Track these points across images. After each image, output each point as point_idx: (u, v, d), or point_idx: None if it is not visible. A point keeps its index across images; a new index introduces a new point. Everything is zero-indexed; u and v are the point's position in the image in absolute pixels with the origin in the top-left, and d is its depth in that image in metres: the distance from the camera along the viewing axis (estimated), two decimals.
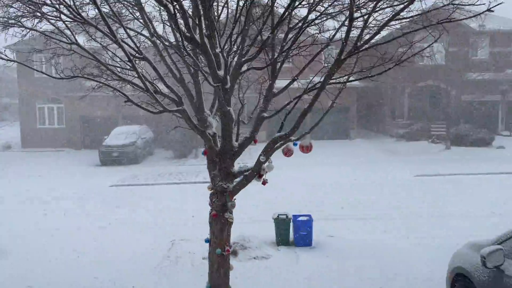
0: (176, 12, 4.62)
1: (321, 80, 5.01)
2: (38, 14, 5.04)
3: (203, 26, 4.85)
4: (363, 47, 4.56)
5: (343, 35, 5.11)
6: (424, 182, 17.94)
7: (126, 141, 25.10)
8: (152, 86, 5.28)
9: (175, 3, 4.31)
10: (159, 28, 7.14)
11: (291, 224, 10.83)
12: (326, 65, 5.63)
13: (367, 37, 4.80)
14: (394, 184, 17.50)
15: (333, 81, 5.29)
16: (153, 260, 9.96)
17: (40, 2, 4.60)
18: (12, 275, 9.41)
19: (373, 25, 5.06)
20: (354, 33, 5.01)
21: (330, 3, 5.69)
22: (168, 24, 6.30)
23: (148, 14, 6.33)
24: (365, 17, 4.78)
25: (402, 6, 4.44)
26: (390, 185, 17.37)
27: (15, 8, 5.20)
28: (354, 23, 5.05)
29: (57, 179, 20.80)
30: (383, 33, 5.81)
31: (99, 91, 6.70)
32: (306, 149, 6.08)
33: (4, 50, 4.51)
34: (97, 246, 11.15)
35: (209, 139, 5.58)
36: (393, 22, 5.01)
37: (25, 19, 5.26)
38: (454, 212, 13.38)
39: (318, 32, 6.14)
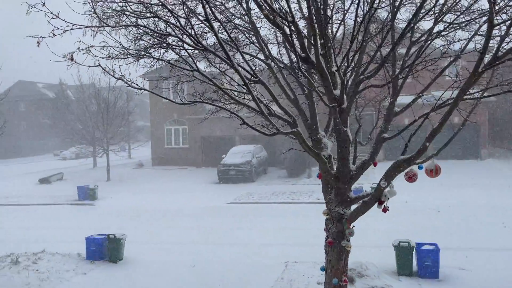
0: (291, 32, 4.54)
1: (452, 96, 4.45)
2: (164, 44, 5.45)
3: (319, 45, 4.69)
4: (505, 58, 3.92)
5: (477, 46, 4.52)
6: None
7: (242, 160, 26.03)
8: (266, 109, 5.28)
9: (291, 24, 4.24)
10: (274, 51, 7.21)
11: (414, 252, 9.91)
12: (458, 79, 5.01)
13: (508, 45, 4.14)
14: None
15: (467, 96, 4.67)
16: (267, 281, 9.92)
17: (165, 33, 4.95)
18: (129, 283, 10.19)
19: None
20: (492, 42, 4.37)
21: (462, 11, 5.09)
22: (283, 46, 6.28)
23: (263, 37, 6.42)
24: (507, 23, 4.13)
25: None
26: None
27: (145, 40, 5.73)
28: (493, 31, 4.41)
29: (180, 195, 22.33)
30: None
31: (217, 115, 6.98)
32: (433, 173, 5.44)
33: (135, 79, 4.95)
34: (213, 261, 11.53)
35: (324, 162, 5.34)
36: None
37: (153, 50, 5.75)
38: None
39: (446, 44, 5.54)
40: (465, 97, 4.55)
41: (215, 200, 20.79)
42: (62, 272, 10.98)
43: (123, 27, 5.03)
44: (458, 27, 5.70)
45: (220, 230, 15.06)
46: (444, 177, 20.18)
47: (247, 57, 6.50)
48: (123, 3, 4.77)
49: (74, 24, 4.46)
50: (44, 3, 3.99)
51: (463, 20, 5.50)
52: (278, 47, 6.99)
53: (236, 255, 12.14)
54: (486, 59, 4.15)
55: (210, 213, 18.00)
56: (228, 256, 12.08)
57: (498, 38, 5.12)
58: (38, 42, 4.24)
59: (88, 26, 4.63)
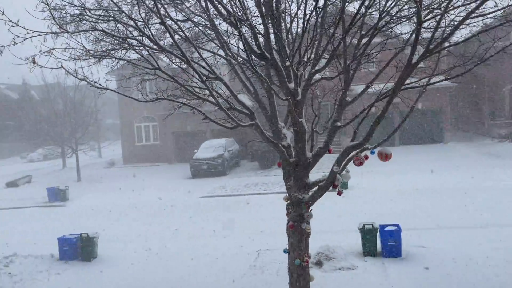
0: (246, 30, 4.83)
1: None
2: (125, 45, 5.64)
3: (272, 41, 4.99)
4: (436, 49, 4.34)
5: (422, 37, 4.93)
6: None
7: (214, 154, 26.23)
8: (226, 103, 5.56)
9: (243, 23, 4.52)
10: (236, 47, 7.46)
11: (378, 234, 10.47)
12: (398, 70, 5.42)
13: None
14: (498, 190, 15.95)
15: (408, 86, 5.08)
16: (240, 268, 10.27)
17: (124, 36, 5.15)
18: (103, 280, 10.34)
19: (447, 26, 4.78)
20: (429, 35, 4.78)
21: (399, 8, 5.50)
22: (241, 48, 6.55)
23: (222, 34, 6.67)
24: (437, 18, 4.54)
25: (475, 4, 4.15)
26: (492, 191, 15.88)
27: (106, 41, 5.88)
28: (428, 24, 4.84)
29: (153, 192, 22.36)
30: (465, 32, 5.47)
31: (182, 111, 7.18)
32: (385, 157, 5.87)
33: (98, 80, 5.12)
34: (188, 254, 11.78)
35: (282, 151, 5.69)
36: (472, 20, 4.71)
37: (114, 51, 5.91)
38: None
39: (387, 38, 5.95)
40: (406, 86, 4.97)
41: (189, 194, 20.95)
42: (35, 273, 10.99)
43: (82, 32, 5.19)
44: (403, 20, 6.12)
45: (194, 224, 15.30)
46: (408, 161, 21.06)
47: (207, 54, 6.74)
48: (82, 9, 4.94)
49: (34, 31, 4.60)
50: (3, 12, 4.12)
51: (407, 13, 5.92)
52: (238, 44, 7.27)
53: (211, 246, 12.42)
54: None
55: (184, 208, 18.18)
56: (203, 248, 12.34)
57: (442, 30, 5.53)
58: (0, 51, 4.37)
59: (48, 33, 4.77)
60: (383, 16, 5.57)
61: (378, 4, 5.59)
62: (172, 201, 19.67)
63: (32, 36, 4.58)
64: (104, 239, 12.60)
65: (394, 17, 5.63)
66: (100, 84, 5.18)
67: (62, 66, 5.16)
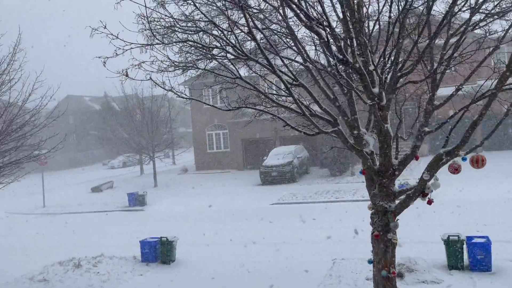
0: (327, 36, 4.76)
1: (491, 87, 4.50)
2: (209, 55, 5.83)
3: (355, 46, 4.87)
4: None
5: None
6: None
7: (283, 161, 26.23)
8: (307, 110, 5.51)
9: (327, 29, 4.46)
10: (312, 53, 7.42)
11: (465, 246, 9.78)
12: (496, 70, 5.02)
13: None
14: None
15: (507, 86, 4.69)
16: (314, 277, 10.11)
17: (212, 46, 5.32)
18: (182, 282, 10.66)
19: None
20: None
21: (496, 3, 5.11)
22: (321, 51, 6.48)
23: (300, 40, 6.65)
24: None
25: None
26: None
27: (191, 53, 6.13)
28: None
29: (225, 198, 22.86)
30: None
31: (259, 118, 7.28)
32: (478, 163, 5.46)
33: (184, 90, 5.33)
34: (262, 260, 11.83)
35: (367, 158, 5.50)
36: None
37: (199, 61, 6.14)
38: None
39: (483, 35, 5.55)
40: (505, 87, 4.59)
41: (259, 201, 21.12)
42: (120, 273, 11.66)
43: (175, 43, 5.44)
44: (496, 17, 5.68)
45: (266, 230, 15.35)
46: (495, 168, 19.40)
47: (286, 61, 6.75)
48: (173, 20, 5.19)
49: (132, 43, 4.92)
50: (105, 26, 4.47)
51: (500, 9, 5.48)
52: (316, 50, 7.20)
53: (284, 253, 12.39)
54: None
55: (256, 215, 18.33)
56: (276, 255, 12.34)
57: None
58: (104, 62, 4.74)
59: (144, 45, 5.07)
60: (474, 13, 5.22)
61: (468, 1, 5.25)
62: (244, 208, 19.96)
63: (131, 48, 4.91)
64: (182, 243, 13.03)
65: (489, 14, 5.24)
66: (186, 95, 5.39)
67: (150, 78, 5.44)
